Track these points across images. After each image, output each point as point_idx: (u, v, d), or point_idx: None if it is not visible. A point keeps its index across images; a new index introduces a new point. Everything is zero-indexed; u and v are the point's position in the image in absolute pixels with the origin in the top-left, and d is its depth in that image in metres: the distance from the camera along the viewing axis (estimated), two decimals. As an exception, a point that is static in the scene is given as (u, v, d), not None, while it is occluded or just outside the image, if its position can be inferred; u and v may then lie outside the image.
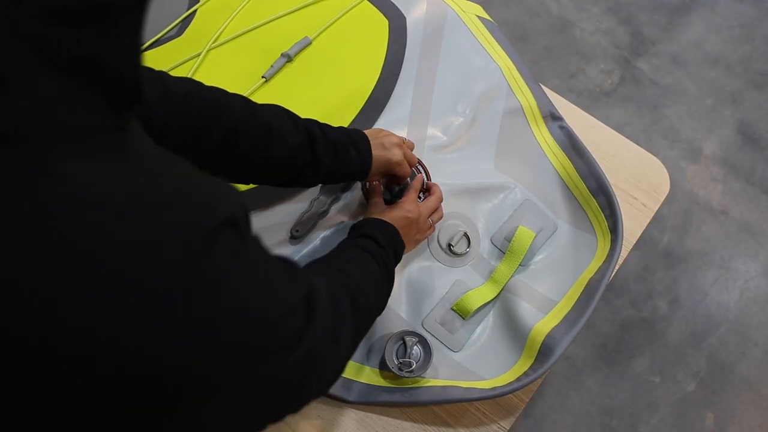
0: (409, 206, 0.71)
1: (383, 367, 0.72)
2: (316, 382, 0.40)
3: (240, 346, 0.30)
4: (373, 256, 0.60)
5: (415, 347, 0.71)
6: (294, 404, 0.39)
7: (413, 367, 0.70)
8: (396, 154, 0.71)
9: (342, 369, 0.47)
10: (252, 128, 0.60)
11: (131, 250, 0.26)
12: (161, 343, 0.26)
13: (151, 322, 0.26)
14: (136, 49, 0.31)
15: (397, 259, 0.67)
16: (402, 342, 0.71)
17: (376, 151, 0.70)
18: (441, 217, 0.77)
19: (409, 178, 0.77)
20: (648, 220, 0.86)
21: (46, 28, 0.25)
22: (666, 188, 0.88)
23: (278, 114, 0.63)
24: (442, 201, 0.77)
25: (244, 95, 0.63)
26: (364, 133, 0.70)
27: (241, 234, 0.32)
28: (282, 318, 0.34)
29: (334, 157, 0.66)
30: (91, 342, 0.24)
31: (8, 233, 0.23)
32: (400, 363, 0.70)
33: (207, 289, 0.28)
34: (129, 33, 0.29)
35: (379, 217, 0.68)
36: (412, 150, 0.78)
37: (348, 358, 0.49)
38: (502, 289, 0.77)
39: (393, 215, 0.69)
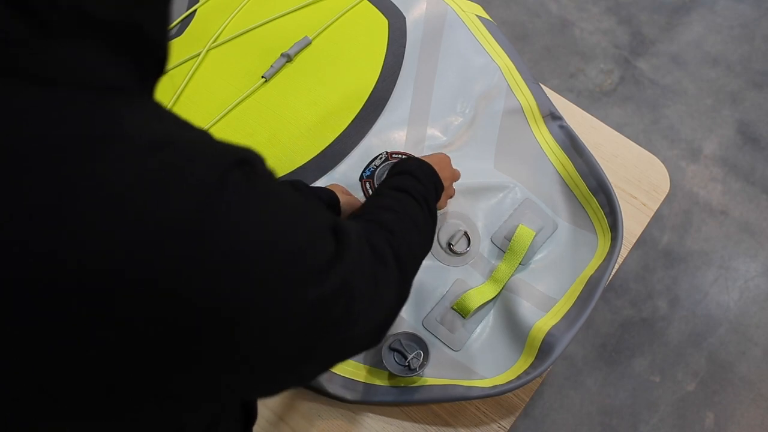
0: (440, 154, 0.71)
1: (382, 367, 0.72)
2: (356, 325, 0.37)
3: (263, 281, 0.29)
4: (410, 194, 0.57)
5: (413, 347, 0.71)
6: (332, 351, 0.37)
7: (412, 367, 0.70)
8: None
9: (390, 317, 0.44)
10: None
11: (146, 188, 0.26)
12: (181, 282, 0.26)
13: (167, 260, 0.26)
14: (167, 20, 0.33)
15: (438, 195, 0.63)
16: (400, 342, 0.71)
17: (342, 198, 0.71)
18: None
19: None
20: (648, 220, 0.86)
21: None
22: (666, 188, 0.88)
23: None
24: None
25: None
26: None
27: (256, 170, 0.32)
28: (307, 245, 0.32)
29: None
30: (109, 280, 0.24)
31: (34, 167, 0.24)
32: (399, 363, 0.70)
33: (224, 223, 0.28)
34: (163, 3, 0.32)
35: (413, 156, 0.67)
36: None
37: (397, 306, 0.46)
38: (502, 288, 0.77)
39: (427, 157, 0.68)
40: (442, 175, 0.66)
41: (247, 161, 0.31)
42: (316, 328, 0.33)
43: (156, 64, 0.33)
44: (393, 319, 0.45)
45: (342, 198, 0.71)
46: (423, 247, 0.56)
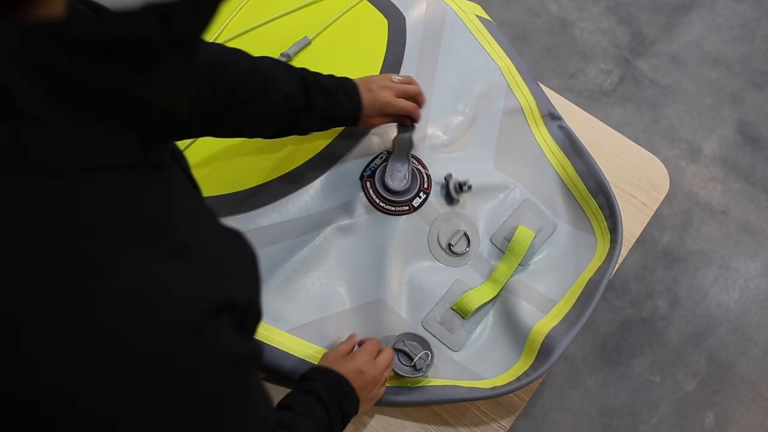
0: (363, 358, 0.64)
1: (383, 366, 0.72)
2: None
3: None
4: (315, 425, 0.54)
5: (417, 348, 0.71)
6: None
7: (418, 367, 0.70)
8: (383, 95, 0.72)
9: None
10: (253, 78, 0.63)
11: (114, 318, 0.25)
12: (117, 416, 0.25)
13: (111, 393, 0.25)
14: (176, 85, 0.29)
15: (346, 420, 0.59)
16: (403, 343, 0.71)
17: (364, 95, 0.72)
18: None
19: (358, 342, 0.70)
20: (648, 220, 0.86)
21: (64, 60, 0.24)
22: (666, 187, 0.88)
23: (273, 64, 0.67)
24: (392, 358, 0.69)
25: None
26: (353, 80, 0.73)
27: (236, 324, 0.30)
28: None
29: (326, 101, 0.68)
30: (50, 399, 0.24)
31: None
32: (405, 364, 0.70)
33: (179, 380, 0.26)
34: (169, 70, 0.28)
35: (331, 367, 0.62)
36: (409, 83, 0.76)
37: None
38: (501, 289, 0.77)
39: (346, 368, 0.62)
40: (364, 390, 0.62)
41: (235, 305, 0.30)
42: None
43: (161, 128, 0.30)
44: None
45: (364, 96, 0.72)
46: None
